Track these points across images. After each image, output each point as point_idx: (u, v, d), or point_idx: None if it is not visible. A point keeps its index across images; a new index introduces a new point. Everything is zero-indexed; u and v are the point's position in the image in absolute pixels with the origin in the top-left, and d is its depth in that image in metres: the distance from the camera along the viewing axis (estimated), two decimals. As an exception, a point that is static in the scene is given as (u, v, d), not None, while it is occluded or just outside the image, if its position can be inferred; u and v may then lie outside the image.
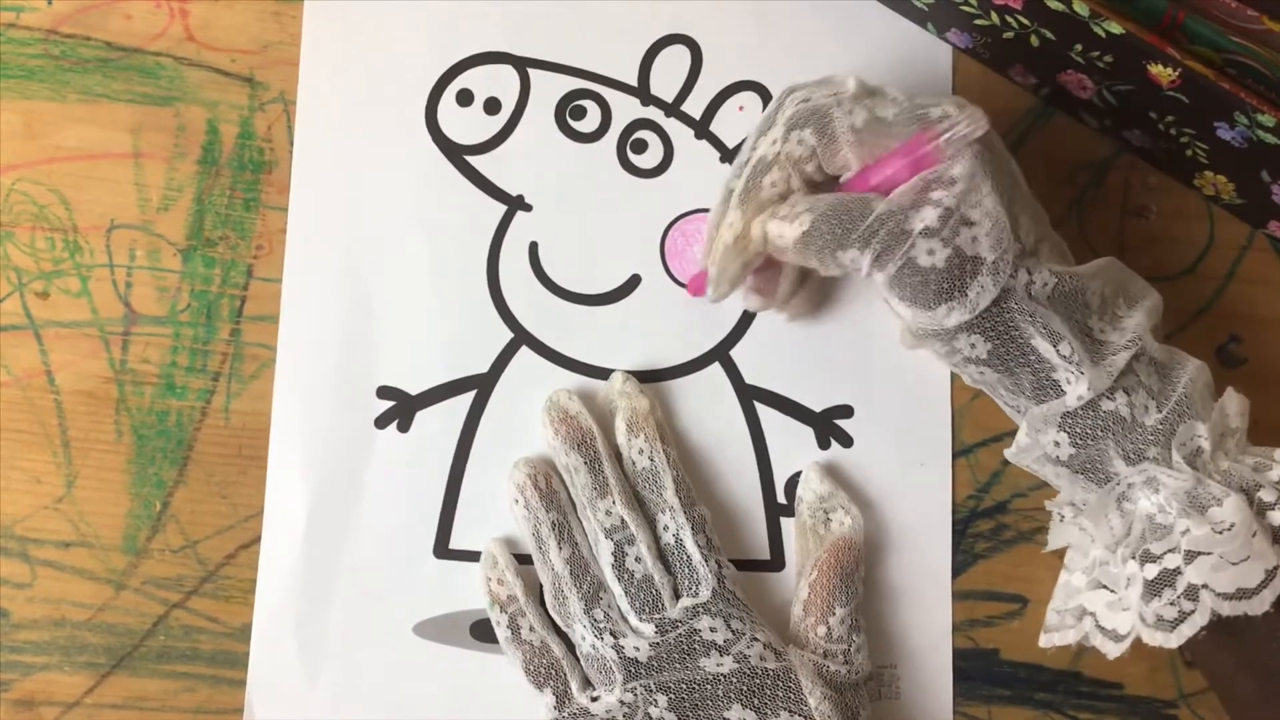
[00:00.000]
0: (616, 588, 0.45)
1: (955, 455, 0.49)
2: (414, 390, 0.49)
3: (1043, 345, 0.41)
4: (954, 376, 0.50)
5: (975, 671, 0.48)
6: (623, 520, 0.45)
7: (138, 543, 0.48)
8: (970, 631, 0.49)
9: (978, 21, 0.48)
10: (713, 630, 0.44)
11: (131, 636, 0.48)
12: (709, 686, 0.43)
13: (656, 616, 0.44)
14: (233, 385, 0.49)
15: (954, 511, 0.49)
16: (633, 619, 0.44)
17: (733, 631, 0.44)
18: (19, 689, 0.48)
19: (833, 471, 0.49)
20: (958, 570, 0.49)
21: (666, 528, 0.45)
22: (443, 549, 0.49)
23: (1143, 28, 0.42)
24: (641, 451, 0.46)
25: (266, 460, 0.49)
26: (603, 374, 0.50)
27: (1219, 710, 0.48)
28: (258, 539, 0.48)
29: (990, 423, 0.50)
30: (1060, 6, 0.43)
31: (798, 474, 0.49)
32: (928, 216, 0.40)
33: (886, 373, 0.50)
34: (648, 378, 0.49)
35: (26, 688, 0.48)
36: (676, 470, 0.46)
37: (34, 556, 0.48)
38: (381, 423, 0.49)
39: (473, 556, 0.48)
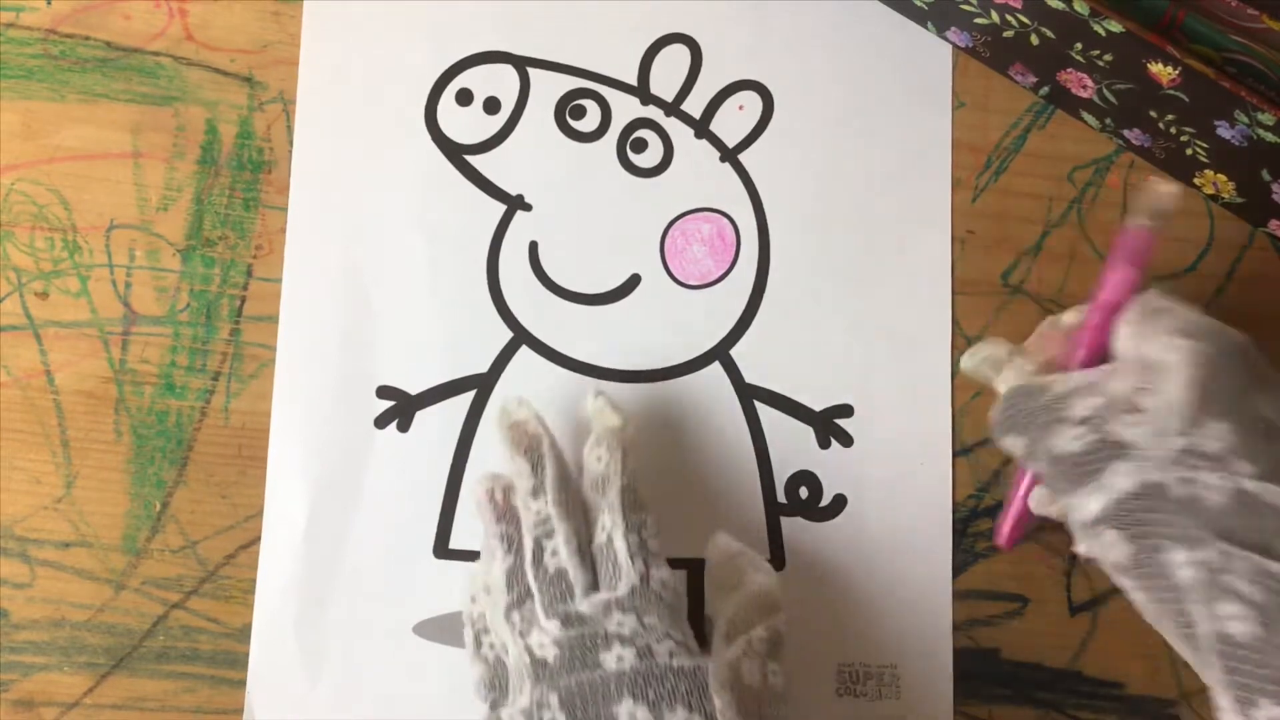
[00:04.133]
0: (533, 585, 0.42)
1: (955, 455, 0.49)
2: (414, 390, 0.49)
3: (1177, 558, 0.36)
4: (954, 376, 0.50)
5: (976, 671, 0.48)
6: (546, 517, 0.43)
7: (137, 543, 0.48)
8: (971, 631, 0.49)
9: (977, 20, 0.48)
10: (620, 625, 0.41)
11: (131, 637, 0.48)
12: (602, 683, 0.40)
13: (561, 608, 0.41)
14: (232, 385, 0.49)
15: (954, 511, 0.49)
16: (541, 618, 0.41)
17: (644, 625, 0.41)
18: (19, 689, 0.48)
19: (833, 470, 0.49)
20: (958, 570, 0.49)
21: (603, 527, 0.43)
22: (442, 549, 0.49)
23: (1143, 26, 0.42)
24: (600, 459, 0.44)
25: (266, 460, 0.49)
26: (602, 374, 0.50)
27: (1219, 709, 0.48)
28: (258, 539, 0.48)
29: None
30: (1060, 5, 0.43)
31: (798, 473, 0.49)
32: (1088, 405, 0.39)
33: (886, 373, 0.50)
34: (647, 377, 0.49)
35: (26, 688, 0.48)
36: (628, 479, 0.44)
37: (34, 556, 0.48)
38: (381, 423, 0.49)
39: (472, 556, 0.48)
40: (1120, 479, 0.38)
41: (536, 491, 0.43)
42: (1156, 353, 0.39)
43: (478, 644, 0.44)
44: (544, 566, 0.42)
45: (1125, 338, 0.41)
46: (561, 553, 0.42)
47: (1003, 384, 0.43)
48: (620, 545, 0.42)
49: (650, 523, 0.44)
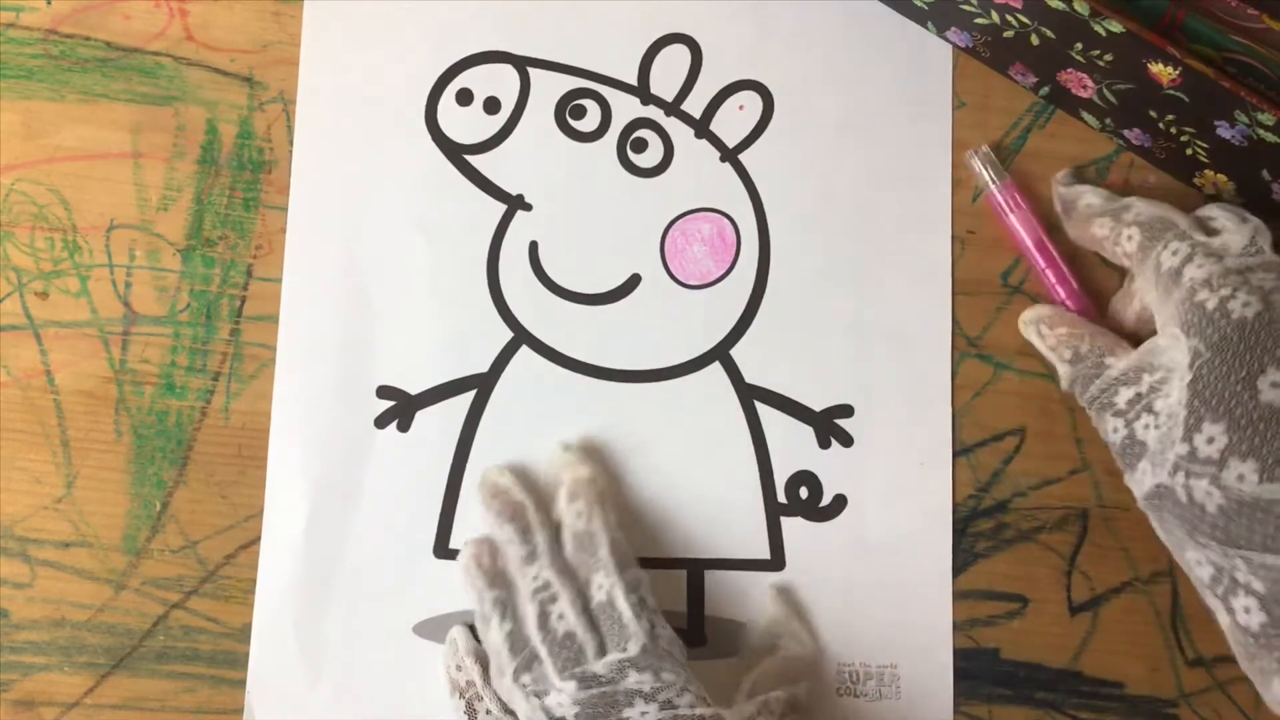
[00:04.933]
0: (541, 649, 0.43)
1: (955, 455, 0.49)
2: (414, 390, 0.49)
3: (1192, 556, 0.41)
4: (954, 375, 0.50)
5: (976, 671, 0.48)
6: (547, 582, 0.44)
7: (138, 543, 0.48)
8: (971, 631, 0.49)
9: (978, 20, 0.48)
10: (639, 683, 0.42)
11: (131, 637, 0.48)
12: None
13: (577, 670, 0.42)
14: (232, 385, 0.49)
15: (954, 511, 0.49)
16: (555, 679, 0.42)
17: (662, 681, 0.42)
18: (19, 689, 0.48)
19: (833, 470, 0.49)
20: (958, 570, 0.49)
21: (600, 586, 0.44)
22: (443, 549, 0.49)
23: (1143, 26, 0.42)
24: (579, 515, 0.45)
25: (266, 460, 0.49)
26: (602, 373, 0.50)
27: (1219, 709, 0.48)
28: (258, 539, 0.48)
29: (990, 422, 0.49)
30: (1060, 5, 0.43)
31: (798, 473, 0.49)
32: (1127, 396, 0.43)
33: (886, 373, 0.50)
34: (647, 377, 0.49)
35: (26, 688, 0.48)
36: (613, 534, 0.45)
37: (34, 556, 0.48)
38: (381, 423, 0.49)
39: (473, 556, 0.48)
40: (1143, 477, 0.42)
41: (531, 558, 0.44)
42: (1167, 341, 0.42)
43: (471, 712, 0.45)
44: (552, 630, 0.43)
45: (1154, 302, 0.44)
46: (569, 616, 0.43)
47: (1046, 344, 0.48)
48: (624, 607, 0.43)
49: (645, 579, 0.45)
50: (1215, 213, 0.44)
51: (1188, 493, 0.40)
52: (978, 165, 0.50)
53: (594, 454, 0.49)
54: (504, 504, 0.46)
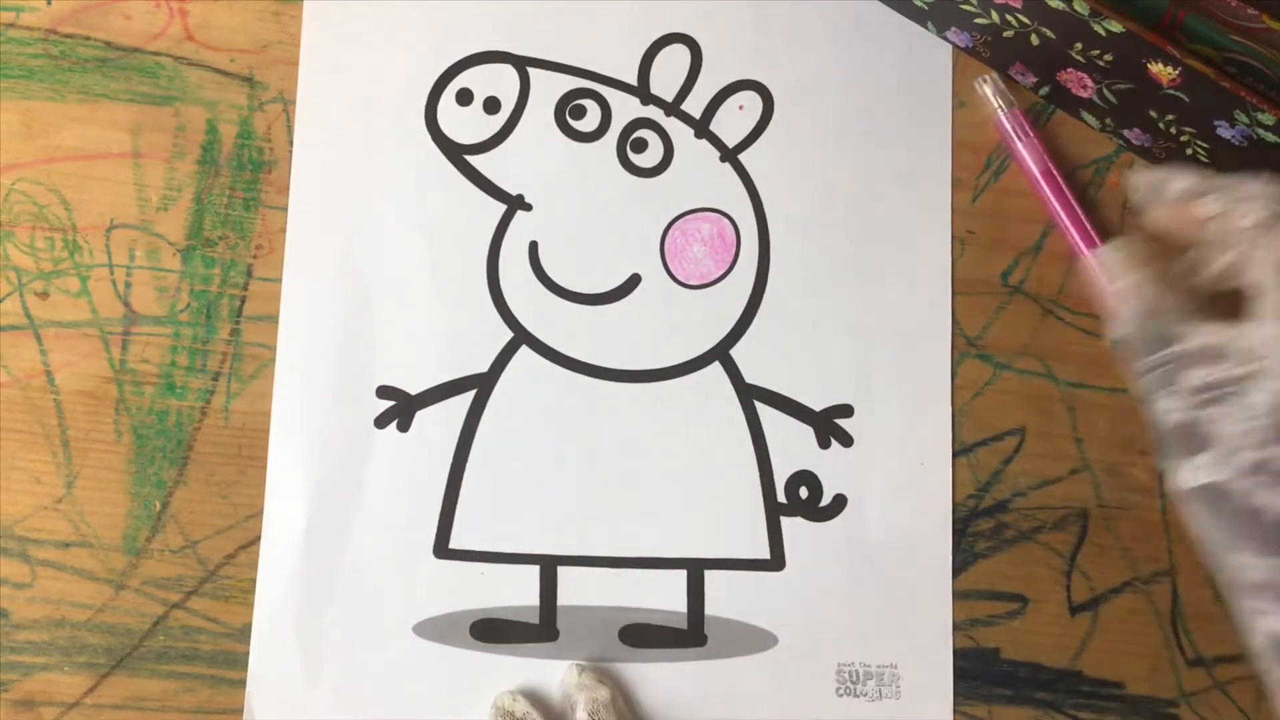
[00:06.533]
0: None
1: (955, 455, 0.49)
2: (414, 390, 0.49)
3: (1241, 559, 0.38)
4: (954, 375, 0.50)
5: (976, 671, 0.48)
6: None
7: (138, 543, 0.48)
8: (971, 631, 0.49)
9: (978, 20, 0.48)
10: None
11: (131, 637, 0.48)
12: None
13: None
14: (232, 385, 0.49)
15: (954, 511, 0.49)
16: None
17: None
18: (19, 689, 0.48)
19: (833, 470, 0.49)
20: (958, 570, 0.49)
21: None
22: (443, 549, 0.49)
23: (1143, 26, 0.42)
24: None
25: (266, 460, 0.49)
26: (602, 373, 0.50)
27: (1219, 709, 0.48)
28: (258, 539, 0.48)
29: (990, 422, 0.50)
30: (1060, 5, 0.43)
31: (798, 473, 0.49)
32: (1198, 378, 0.38)
33: (886, 373, 0.50)
34: (647, 377, 0.50)
35: (26, 688, 0.48)
36: None
37: (34, 556, 0.48)
38: (381, 423, 0.49)
39: (473, 556, 0.48)
40: (1198, 470, 0.38)
41: None
42: (1273, 329, 0.38)
43: None
44: None
45: (1270, 284, 0.39)
46: None
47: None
48: None
49: None
50: None
51: (1246, 498, 0.37)
52: (986, 91, 0.50)
53: (607, 674, 0.48)
54: None
